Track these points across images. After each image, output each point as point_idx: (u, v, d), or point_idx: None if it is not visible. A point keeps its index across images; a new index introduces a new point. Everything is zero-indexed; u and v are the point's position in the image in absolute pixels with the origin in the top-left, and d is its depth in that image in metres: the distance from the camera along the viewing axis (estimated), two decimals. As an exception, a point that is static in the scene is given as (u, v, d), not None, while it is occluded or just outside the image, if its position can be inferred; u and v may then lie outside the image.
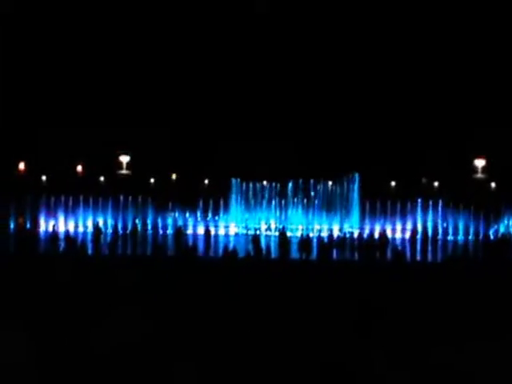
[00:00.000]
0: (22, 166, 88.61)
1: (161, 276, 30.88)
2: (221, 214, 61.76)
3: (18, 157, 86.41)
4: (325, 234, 45.56)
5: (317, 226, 54.78)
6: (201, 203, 61.79)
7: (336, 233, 49.27)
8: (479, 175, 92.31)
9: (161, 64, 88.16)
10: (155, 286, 28.53)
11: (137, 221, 55.95)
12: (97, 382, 15.73)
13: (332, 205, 62.56)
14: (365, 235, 47.47)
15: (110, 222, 56.96)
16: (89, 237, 48.91)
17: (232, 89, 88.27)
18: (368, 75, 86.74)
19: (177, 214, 60.55)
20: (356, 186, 64.49)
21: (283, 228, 46.57)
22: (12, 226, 57.22)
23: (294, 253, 43.08)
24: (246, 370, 16.63)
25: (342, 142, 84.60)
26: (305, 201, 62.65)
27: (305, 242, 43.16)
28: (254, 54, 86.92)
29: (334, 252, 43.93)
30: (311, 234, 45.31)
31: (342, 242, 45.33)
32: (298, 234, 46.75)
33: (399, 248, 43.84)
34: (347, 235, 46.74)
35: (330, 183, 64.85)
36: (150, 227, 57.96)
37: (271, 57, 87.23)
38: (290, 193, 63.39)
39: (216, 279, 29.76)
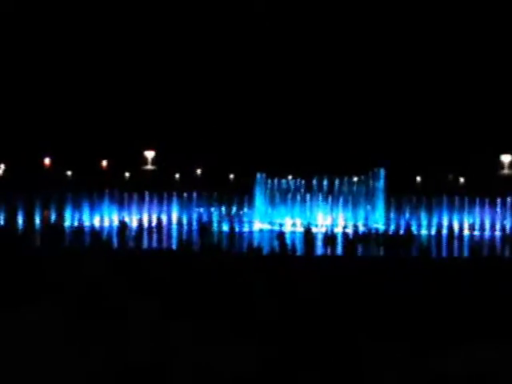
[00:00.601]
0: (47, 161, 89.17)
1: (186, 271, 30.88)
2: (245, 210, 61.64)
3: (43, 152, 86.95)
4: (350, 230, 45.29)
5: (342, 222, 54.55)
6: (226, 199, 61.69)
7: (361, 229, 49.10)
8: (506, 171, 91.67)
9: (187, 59, 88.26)
10: (180, 280, 28.52)
11: (162, 216, 56.07)
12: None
13: (357, 200, 62.26)
14: (390, 231, 47.37)
15: (135, 217, 57.07)
16: (114, 231, 49.09)
17: (257, 85, 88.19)
18: (394, 69, 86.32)
19: (201, 210, 60.53)
20: (381, 182, 64.15)
21: (308, 224, 46.52)
22: (38, 220, 57.52)
23: (319, 249, 43.12)
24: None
25: (368, 138, 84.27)
26: (330, 196, 62.41)
27: (330, 238, 43.21)
28: (274, 53, 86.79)
29: (359, 248, 43.83)
30: (336, 230, 45.06)
31: (368, 237, 45.18)
32: (323, 230, 46.52)
33: (425, 244, 43.69)
34: (372, 231, 46.54)
35: (356, 179, 64.59)
36: (174, 222, 58.11)
37: (290, 52, 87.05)
38: (315, 188, 63.13)
39: (241, 276, 29.69)
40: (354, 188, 63.52)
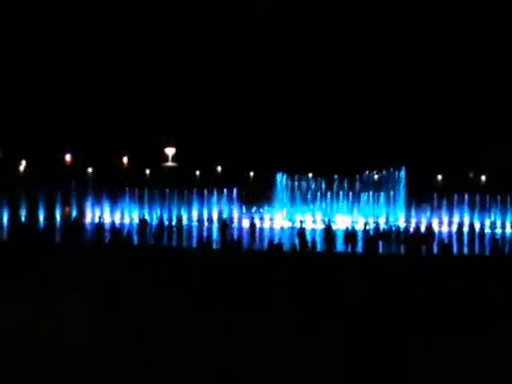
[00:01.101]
0: (68, 157, 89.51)
1: (204, 269, 30.91)
2: (266, 207, 61.67)
3: (64, 148, 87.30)
4: (371, 227, 45.19)
5: (362, 219, 54.41)
6: (246, 196, 61.75)
7: (382, 226, 48.96)
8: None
9: (206, 57, 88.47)
10: (199, 278, 28.55)
11: (182, 213, 56.16)
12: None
13: (378, 198, 62.14)
14: (411, 228, 47.21)
15: (155, 214, 57.20)
16: (134, 228, 49.21)
17: (276, 81, 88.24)
18: (415, 65, 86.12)
19: (222, 207, 60.59)
20: (402, 179, 64.00)
21: (329, 221, 46.44)
22: (58, 216, 57.79)
23: (340, 246, 43.05)
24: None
25: (390, 135, 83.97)
26: (350, 194, 62.34)
27: (350, 234, 43.13)
28: (292, 50, 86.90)
29: (380, 245, 43.76)
30: (357, 227, 44.98)
31: (388, 235, 45.09)
32: (344, 226, 46.44)
33: (446, 241, 43.54)
34: (393, 228, 46.41)
35: (376, 176, 64.47)
36: (195, 219, 58.20)
37: (308, 48, 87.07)
38: (335, 186, 63.07)
39: (261, 273, 29.65)
40: (375, 185, 63.40)
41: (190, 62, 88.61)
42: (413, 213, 59.93)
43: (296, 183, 63.96)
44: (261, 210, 61.13)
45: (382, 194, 62.43)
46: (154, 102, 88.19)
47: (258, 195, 62.19)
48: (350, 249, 42.42)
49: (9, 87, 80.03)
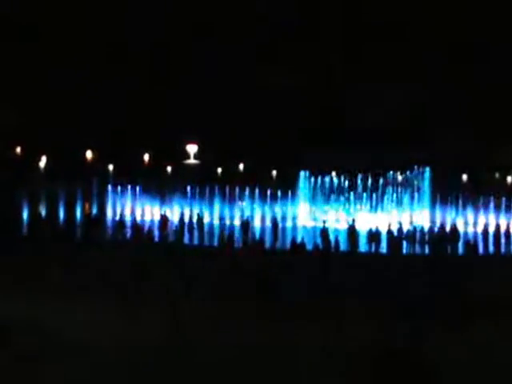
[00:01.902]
0: (89, 154, 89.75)
1: (226, 267, 30.77)
2: (288, 206, 61.36)
3: (85, 145, 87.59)
4: (394, 227, 44.72)
5: (386, 219, 53.92)
6: (268, 194, 61.44)
7: (406, 226, 48.48)
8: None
9: (225, 53, 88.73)
10: (221, 277, 28.43)
11: (204, 210, 56.01)
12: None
13: (402, 198, 61.65)
14: (435, 229, 46.75)
15: (176, 211, 57.07)
16: (155, 225, 49.14)
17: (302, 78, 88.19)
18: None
19: (244, 205, 60.37)
20: (427, 179, 63.48)
21: (352, 220, 46.03)
22: (79, 212, 57.80)
23: (363, 246, 42.71)
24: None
25: (413, 134, 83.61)
26: (374, 193, 61.91)
27: (374, 235, 42.82)
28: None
29: (404, 245, 43.39)
30: (380, 227, 44.58)
31: (413, 235, 44.65)
32: (367, 226, 46.04)
33: (471, 242, 43.12)
34: (417, 228, 45.95)
35: (400, 176, 63.92)
36: (217, 217, 58.03)
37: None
38: (359, 184, 62.66)
39: (284, 272, 29.49)
40: (399, 185, 62.88)
41: (209, 59, 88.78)
42: (437, 213, 59.38)
43: (319, 182, 63.45)
44: (283, 208, 60.68)
45: (406, 193, 61.86)
46: (175, 99, 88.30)
47: (280, 194, 61.72)
48: (373, 249, 42.14)
49: (29, 84, 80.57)
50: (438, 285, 26.79)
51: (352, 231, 43.43)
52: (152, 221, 54.74)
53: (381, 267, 33.39)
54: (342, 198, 62.05)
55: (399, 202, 61.13)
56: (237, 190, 62.04)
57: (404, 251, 42.65)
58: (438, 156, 76.75)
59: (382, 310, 22.35)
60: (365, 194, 61.74)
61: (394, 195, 61.51)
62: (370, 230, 43.44)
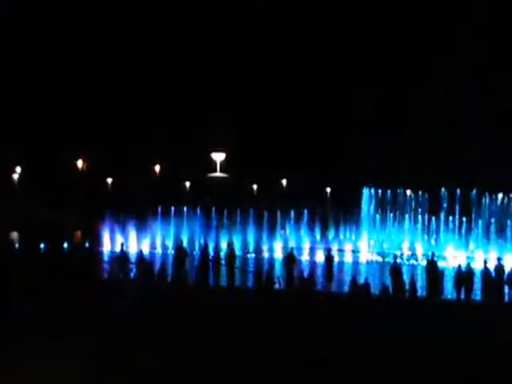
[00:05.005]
0: (79, 163, 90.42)
1: (266, 318, 30.51)
2: (348, 234, 61.36)
3: (74, 152, 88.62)
4: (492, 266, 44.20)
5: (481, 254, 53.60)
6: (321, 219, 61.49)
7: (510, 265, 47.88)
8: None
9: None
10: (259, 330, 28.17)
11: (234, 240, 55.97)
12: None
13: (503, 225, 61.18)
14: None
15: (197, 241, 57.21)
16: (169, 260, 49.07)
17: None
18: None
19: (288, 232, 60.45)
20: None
21: (433, 255, 45.55)
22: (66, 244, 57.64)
23: (449, 291, 42.28)
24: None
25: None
26: (464, 218, 61.62)
27: (464, 276, 42.31)
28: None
29: (507, 291, 42.72)
30: (473, 265, 44.14)
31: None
32: (454, 264, 45.70)
33: None
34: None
35: (501, 195, 63.37)
36: (251, 249, 58.05)
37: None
38: (443, 206, 62.38)
39: (341, 323, 29.19)
40: (499, 208, 62.44)
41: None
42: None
43: (389, 202, 63.30)
44: (340, 237, 60.72)
45: (509, 219, 61.44)
46: (196, 94, 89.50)
47: (336, 218, 61.69)
48: (463, 295, 41.63)
49: (25, 91, 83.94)
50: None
51: (433, 269, 42.99)
52: (165, 254, 54.82)
53: (474, 321, 32.86)
54: (419, 224, 61.93)
55: (499, 231, 60.70)
56: (278, 213, 62.09)
57: (506, 299, 42.04)
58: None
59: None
60: (451, 219, 61.51)
61: (492, 220, 61.17)
62: (459, 269, 42.95)
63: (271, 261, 52.12)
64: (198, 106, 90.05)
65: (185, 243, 52.65)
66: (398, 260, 46.49)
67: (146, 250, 56.18)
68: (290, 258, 46.61)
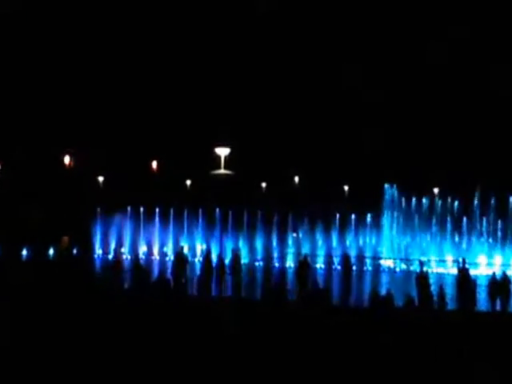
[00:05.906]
0: (66, 159, 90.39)
1: (276, 332, 30.01)
2: (367, 239, 61.13)
3: (63, 147, 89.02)
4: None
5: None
6: (337, 220, 61.29)
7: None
8: None
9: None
10: (268, 345, 27.67)
11: (240, 246, 55.83)
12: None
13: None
14: None
15: (199, 246, 57.13)
16: (168, 268, 48.72)
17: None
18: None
19: (300, 236, 60.27)
20: None
21: (463, 263, 45.10)
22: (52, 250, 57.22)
23: (483, 302, 41.68)
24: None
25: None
26: (498, 222, 61.39)
27: (499, 285, 41.93)
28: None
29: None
30: (510, 273, 43.87)
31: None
32: (489, 272, 45.36)
33: None
34: None
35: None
36: (259, 255, 57.82)
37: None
38: (475, 210, 62.15)
39: (359, 337, 28.65)
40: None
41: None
42: None
43: (413, 203, 63.06)
44: (360, 242, 60.51)
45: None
46: (200, 84, 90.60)
47: (355, 220, 61.42)
48: (498, 306, 41.18)
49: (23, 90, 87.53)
50: None
51: (464, 278, 42.61)
52: (163, 261, 54.67)
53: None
54: (448, 228, 61.77)
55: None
56: (289, 214, 61.90)
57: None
58: None
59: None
60: (485, 221, 61.35)
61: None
62: (493, 278, 42.59)
63: (282, 270, 51.94)
64: (201, 96, 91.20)
65: (185, 249, 52.46)
66: (424, 268, 45.92)
67: (142, 255, 56.20)
68: (304, 266, 46.16)
